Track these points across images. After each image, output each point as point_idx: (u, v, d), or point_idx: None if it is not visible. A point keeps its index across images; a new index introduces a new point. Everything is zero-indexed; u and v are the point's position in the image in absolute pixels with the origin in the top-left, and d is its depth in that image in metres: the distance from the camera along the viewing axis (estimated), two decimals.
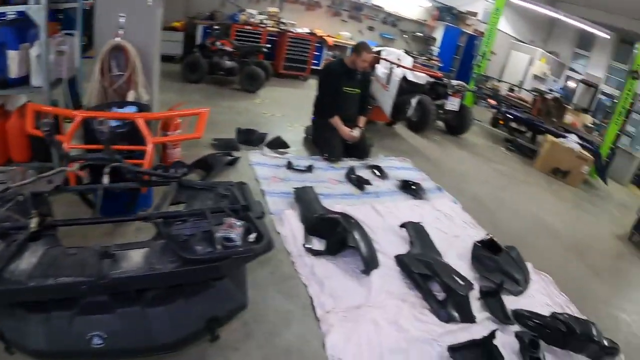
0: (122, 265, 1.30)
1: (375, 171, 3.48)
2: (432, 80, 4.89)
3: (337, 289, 2.02)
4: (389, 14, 7.84)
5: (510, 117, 5.80)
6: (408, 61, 4.81)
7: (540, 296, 2.39)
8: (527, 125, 5.93)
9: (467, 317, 2.02)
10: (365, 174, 3.41)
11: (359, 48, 3.44)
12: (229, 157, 3.12)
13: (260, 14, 6.12)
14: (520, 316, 2.08)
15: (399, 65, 4.52)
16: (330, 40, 6.88)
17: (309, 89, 6.05)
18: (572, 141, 5.01)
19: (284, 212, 2.55)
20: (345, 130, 3.53)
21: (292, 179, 3.05)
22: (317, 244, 2.32)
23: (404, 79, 4.38)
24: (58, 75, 2.42)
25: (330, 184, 3.11)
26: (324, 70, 3.65)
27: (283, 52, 6.25)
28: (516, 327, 2.03)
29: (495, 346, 1.76)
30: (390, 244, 2.45)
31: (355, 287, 2.07)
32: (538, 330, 1.99)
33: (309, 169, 3.24)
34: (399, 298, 2.04)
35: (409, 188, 3.29)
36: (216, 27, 5.33)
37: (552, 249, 3.21)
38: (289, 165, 3.21)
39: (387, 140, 4.68)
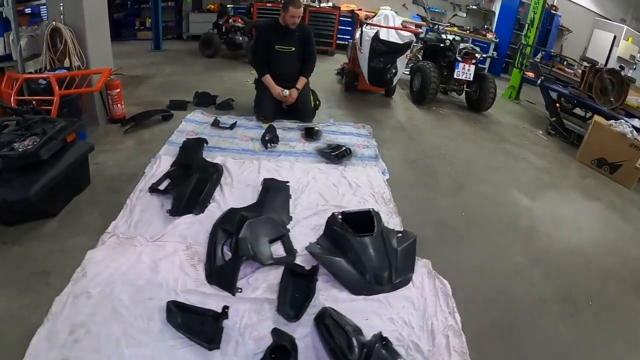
0: None
1: (308, 133, 3.38)
2: (414, 38, 4.32)
3: (143, 221, 2.16)
4: None
5: (549, 92, 4.60)
6: (396, 21, 4.40)
7: (405, 307, 1.76)
8: (573, 103, 4.67)
9: (228, 286, 1.75)
10: (292, 135, 3.39)
11: (286, 3, 3.36)
12: (164, 114, 3.58)
13: None
14: (322, 315, 1.60)
15: (368, 24, 4.17)
16: (362, 15, 6.69)
17: (330, 63, 6.16)
18: (626, 125, 3.75)
19: (161, 157, 2.84)
20: (276, 89, 3.52)
21: (206, 133, 3.27)
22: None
23: (376, 38, 4.03)
24: (33, 52, 3.26)
25: (240, 141, 3.21)
26: (257, 29, 3.73)
27: None
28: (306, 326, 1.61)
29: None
30: (238, 199, 2.41)
31: (159, 224, 2.15)
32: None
33: (232, 126, 3.42)
34: (186, 245, 2.00)
35: (330, 152, 3.10)
36: (229, 5, 5.91)
37: (509, 256, 2.30)
38: (214, 123, 3.45)
39: (373, 110, 4.41)
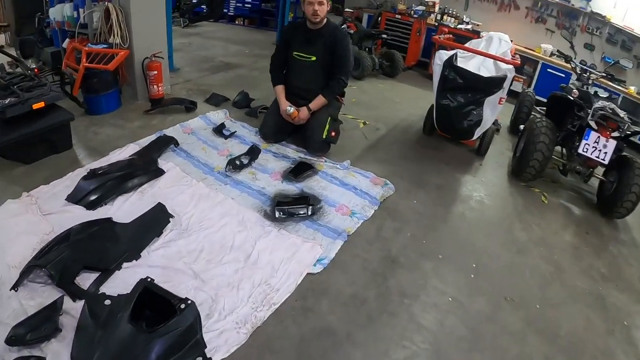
0: None
1: (296, 170, 2.75)
2: (511, 74, 2.92)
3: (58, 196, 2.29)
4: (619, 29, 4.96)
5: None
6: (501, 47, 3.09)
7: None
8: None
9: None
10: (276, 165, 2.84)
11: None
12: (188, 105, 3.61)
13: (421, 4, 5.62)
14: None
15: (445, 43, 3.01)
16: (512, 49, 5.19)
17: None
18: None
19: (130, 145, 2.86)
20: (282, 104, 2.99)
21: (199, 135, 3.14)
22: None
23: (450, 64, 2.87)
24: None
25: (217, 154, 2.91)
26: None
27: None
28: None
29: None
30: (134, 211, 2.20)
31: (60, 203, 2.25)
32: None
33: (227, 136, 3.15)
34: (50, 231, 2.01)
35: (277, 204, 2.37)
36: (349, 9, 5.52)
37: None
38: (218, 128, 3.24)
39: (438, 167, 3.27)
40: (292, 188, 2.62)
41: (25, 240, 1.93)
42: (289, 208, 2.33)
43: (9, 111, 2.46)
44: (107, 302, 1.58)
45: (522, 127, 3.71)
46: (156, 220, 2.12)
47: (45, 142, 2.72)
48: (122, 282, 1.76)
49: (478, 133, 3.22)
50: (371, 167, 3.05)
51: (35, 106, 2.57)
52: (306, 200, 2.45)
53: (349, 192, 2.67)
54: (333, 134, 3.00)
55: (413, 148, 3.61)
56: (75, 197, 2.28)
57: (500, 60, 3.09)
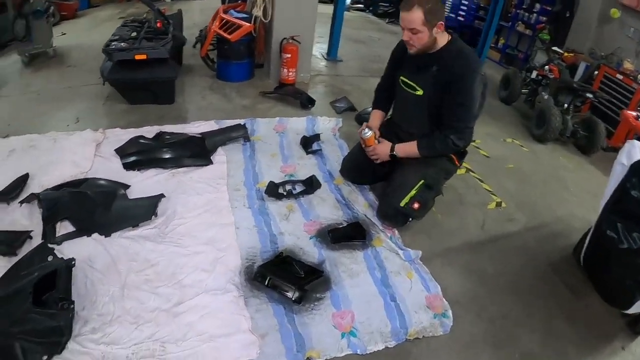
0: None
1: (335, 234, 2.08)
2: None
3: (116, 137, 2.54)
4: None
5: None
6: None
7: None
8: None
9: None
10: (327, 213, 2.21)
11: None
12: (305, 101, 3.31)
13: None
14: None
15: None
16: None
17: None
18: None
19: (210, 122, 2.85)
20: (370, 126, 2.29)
21: (284, 138, 2.86)
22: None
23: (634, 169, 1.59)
24: None
25: (279, 168, 2.54)
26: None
27: None
28: None
29: None
30: (152, 188, 2.17)
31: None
32: None
33: (310, 152, 2.74)
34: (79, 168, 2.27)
35: (275, 270, 1.79)
36: (558, 49, 4.05)
37: None
38: (310, 137, 2.84)
39: (546, 319, 1.88)
40: (313, 252, 1.98)
41: (67, 169, 2.20)
42: (275, 280, 1.74)
43: (116, 55, 2.74)
44: (50, 258, 1.61)
45: None
46: (142, 212, 1.98)
47: (148, 91, 2.94)
48: (79, 248, 1.76)
49: (639, 307, 1.80)
50: (449, 276, 2.03)
51: (138, 57, 2.76)
52: (309, 279, 1.80)
53: (379, 299, 1.81)
54: (416, 205, 2.11)
55: (538, 273, 2.20)
56: (121, 151, 2.38)
57: None
